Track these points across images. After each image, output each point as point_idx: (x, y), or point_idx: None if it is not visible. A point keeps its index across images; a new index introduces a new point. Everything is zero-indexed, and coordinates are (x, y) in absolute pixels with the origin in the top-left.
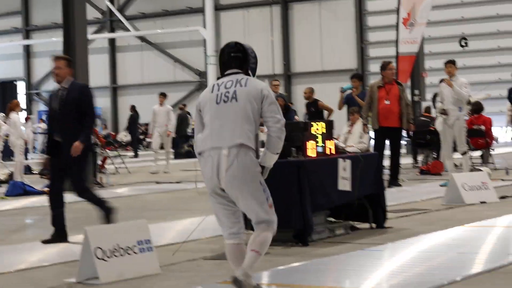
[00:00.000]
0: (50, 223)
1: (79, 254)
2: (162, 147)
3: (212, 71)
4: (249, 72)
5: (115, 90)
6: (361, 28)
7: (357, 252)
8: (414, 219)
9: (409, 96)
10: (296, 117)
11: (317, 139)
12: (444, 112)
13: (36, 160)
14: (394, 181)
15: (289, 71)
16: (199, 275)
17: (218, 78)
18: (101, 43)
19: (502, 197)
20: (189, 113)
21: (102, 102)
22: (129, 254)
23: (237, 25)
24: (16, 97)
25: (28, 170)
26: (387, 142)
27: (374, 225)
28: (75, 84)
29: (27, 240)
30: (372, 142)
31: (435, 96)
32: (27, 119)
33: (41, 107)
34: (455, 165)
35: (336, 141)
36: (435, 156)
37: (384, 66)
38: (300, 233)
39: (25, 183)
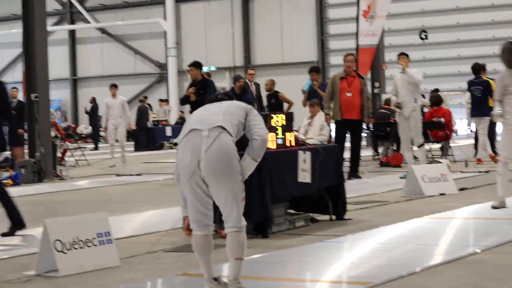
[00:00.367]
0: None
1: (38, 246)
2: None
3: (172, 63)
4: None
5: (75, 82)
6: (322, 21)
7: (317, 244)
8: (374, 211)
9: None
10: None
11: (277, 131)
12: (398, 106)
13: None
14: (354, 173)
15: (249, 63)
16: (159, 267)
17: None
18: (61, 34)
19: (461, 189)
20: (150, 106)
21: (62, 94)
22: (88, 246)
23: (197, 17)
24: None
25: None
26: (348, 134)
27: (334, 217)
28: None
29: None
30: (333, 134)
31: None
32: None
33: None
34: (415, 157)
35: (296, 133)
36: (395, 148)
37: (344, 58)
38: (260, 225)
39: None
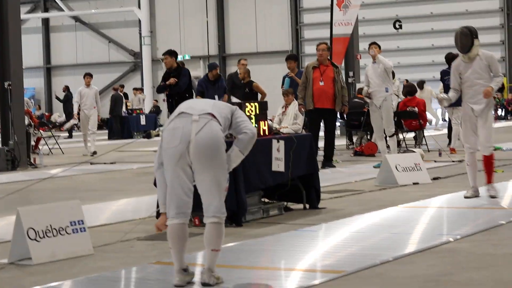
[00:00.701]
0: None
1: (11, 235)
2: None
3: (146, 52)
4: None
5: (49, 70)
6: (296, 10)
7: (290, 233)
8: (347, 200)
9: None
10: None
11: (251, 120)
12: (369, 96)
13: None
14: (328, 162)
15: (224, 52)
16: (132, 255)
17: None
18: (34, 22)
19: (435, 178)
20: (126, 94)
21: (35, 83)
22: (62, 234)
23: (172, 6)
24: None
25: None
26: (322, 123)
27: (307, 205)
28: None
29: None
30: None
31: None
32: None
33: None
34: (388, 146)
35: (270, 122)
36: (369, 138)
37: (316, 47)
38: (234, 214)
39: None
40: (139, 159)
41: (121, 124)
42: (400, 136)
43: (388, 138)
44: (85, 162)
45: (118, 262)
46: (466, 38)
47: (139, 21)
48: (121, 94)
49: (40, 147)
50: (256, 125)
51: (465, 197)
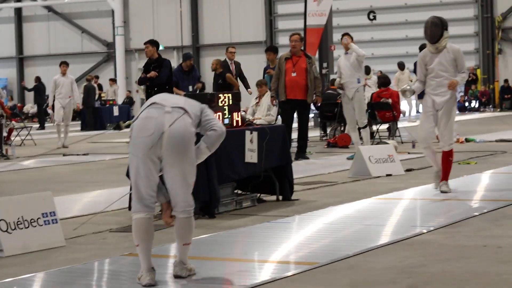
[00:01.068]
0: None
1: None
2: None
3: (120, 42)
4: None
5: (21, 60)
6: (270, 0)
7: (263, 224)
8: (321, 192)
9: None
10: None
11: (224, 111)
12: (341, 87)
13: None
14: (302, 154)
15: (197, 43)
16: (105, 247)
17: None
18: (7, 12)
19: (408, 170)
20: (100, 85)
21: (8, 73)
22: (33, 226)
23: None
24: None
25: None
26: (295, 114)
27: (281, 197)
28: None
29: None
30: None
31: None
32: None
33: None
34: (361, 138)
35: (243, 113)
36: (343, 130)
37: (289, 38)
38: (206, 206)
39: None
40: (112, 150)
41: (94, 115)
42: (374, 127)
43: (361, 129)
44: (57, 153)
45: (91, 254)
46: (436, 28)
47: (112, 11)
48: (94, 85)
49: (12, 138)
50: (229, 116)
51: (441, 191)
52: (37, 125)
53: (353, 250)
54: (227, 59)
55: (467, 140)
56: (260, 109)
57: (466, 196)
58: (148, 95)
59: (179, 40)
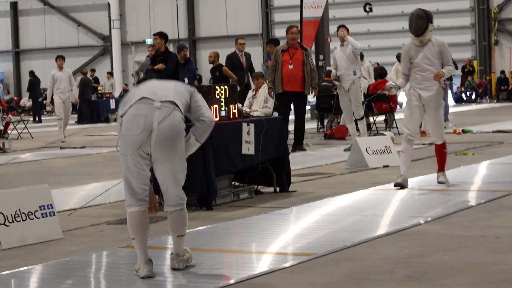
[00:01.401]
0: None
1: None
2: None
3: (116, 35)
4: None
5: (17, 54)
6: None
7: (261, 216)
8: (318, 183)
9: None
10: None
11: (220, 103)
12: (337, 79)
13: None
14: (299, 146)
15: (193, 36)
16: (102, 240)
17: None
18: (3, 6)
19: None
20: (97, 79)
21: (4, 67)
22: (31, 219)
23: None
24: None
25: None
26: (292, 106)
27: (278, 189)
28: None
29: None
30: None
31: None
32: None
33: None
34: (358, 129)
35: (240, 105)
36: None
37: (287, 30)
38: (204, 198)
39: None
40: (109, 143)
41: (90, 108)
42: (371, 119)
43: (357, 121)
44: (54, 146)
45: (88, 246)
46: (421, 21)
47: (108, 4)
48: (91, 78)
49: (9, 131)
50: (226, 108)
51: (395, 185)
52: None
53: (351, 241)
54: (236, 51)
55: (464, 131)
56: (257, 101)
57: (463, 186)
58: None
59: (175, 33)
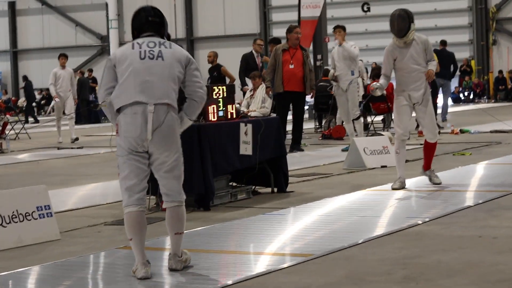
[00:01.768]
0: None
1: None
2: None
3: (114, 35)
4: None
5: (15, 54)
6: None
7: (259, 217)
8: (315, 183)
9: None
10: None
11: (218, 103)
12: (334, 79)
13: None
14: (296, 146)
15: (191, 36)
16: (100, 240)
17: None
18: (0, 6)
19: None
20: (95, 79)
21: (2, 67)
22: (28, 220)
23: None
24: None
25: None
26: (291, 106)
27: (275, 189)
28: None
29: None
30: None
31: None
32: None
33: None
34: (355, 130)
35: (237, 105)
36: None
37: (291, 29)
38: (201, 198)
39: None
40: (107, 143)
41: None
42: (368, 119)
43: (354, 121)
44: (51, 147)
45: (86, 247)
46: (404, 22)
47: (106, 4)
48: (89, 78)
49: (6, 131)
50: (224, 108)
51: (393, 189)
52: (31, 120)
53: (348, 241)
54: (253, 52)
55: (462, 131)
56: (255, 102)
57: (461, 187)
58: None
59: (173, 33)
